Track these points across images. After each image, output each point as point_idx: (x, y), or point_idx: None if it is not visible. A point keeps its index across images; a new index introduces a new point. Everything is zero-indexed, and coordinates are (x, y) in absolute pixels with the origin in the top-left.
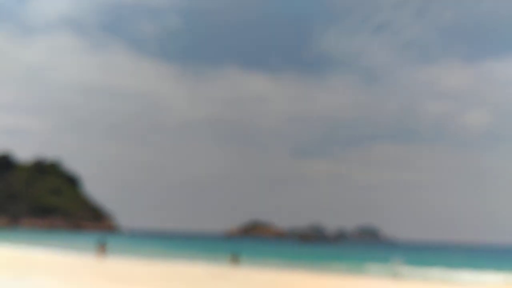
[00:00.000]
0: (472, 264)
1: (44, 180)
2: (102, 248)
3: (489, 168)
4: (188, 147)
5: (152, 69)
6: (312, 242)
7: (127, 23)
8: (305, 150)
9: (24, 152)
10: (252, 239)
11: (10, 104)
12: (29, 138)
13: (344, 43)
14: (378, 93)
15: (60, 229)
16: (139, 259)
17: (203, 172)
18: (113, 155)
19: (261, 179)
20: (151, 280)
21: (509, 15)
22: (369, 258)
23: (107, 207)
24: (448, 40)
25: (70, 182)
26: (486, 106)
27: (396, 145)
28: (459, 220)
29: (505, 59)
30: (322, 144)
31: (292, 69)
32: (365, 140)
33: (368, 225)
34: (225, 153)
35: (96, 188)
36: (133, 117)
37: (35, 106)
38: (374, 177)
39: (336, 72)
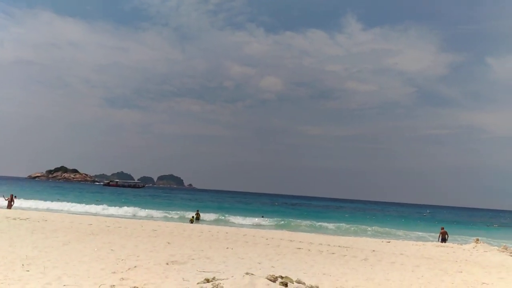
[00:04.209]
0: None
1: None
2: None
3: (278, 127)
4: None
5: None
6: (119, 188)
7: None
8: (116, 100)
9: None
10: (55, 182)
11: None
12: None
13: (159, 1)
14: (188, 52)
15: None
16: None
17: (9, 114)
18: None
19: (71, 126)
20: None
21: None
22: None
23: None
24: (254, 9)
25: None
26: (280, 73)
27: (201, 102)
28: (253, 173)
29: (303, 33)
30: (133, 96)
31: (108, 20)
32: (174, 95)
33: (173, 174)
34: (35, 97)
35: None
36: None
37: None
38: (180, 130)
39: (150, 28)
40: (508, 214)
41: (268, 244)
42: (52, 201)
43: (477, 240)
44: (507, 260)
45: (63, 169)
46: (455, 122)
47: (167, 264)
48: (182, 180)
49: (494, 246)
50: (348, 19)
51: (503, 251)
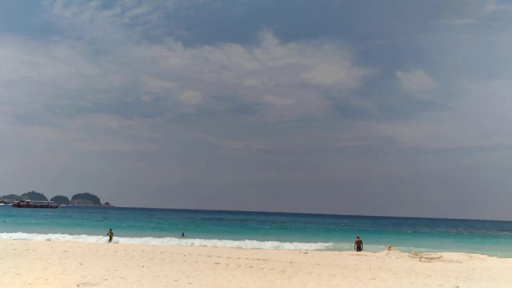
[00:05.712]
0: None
1: None
2: None
3: (199, 141)
4: None
5: None
6: (30, 208)
7: None
8: (27, 117)
9: None
10: None
11: None
12: None
13: (72, 14)
14: (104, 66)
15: None
16: None
17: None
18: None
19: None
20: None
21: (227, 9)
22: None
23: None
24: (172, 23)
25: None
26: (200, 87)
27: (119, 117)
28: (174, 189)
29: (220, 47)
30: (45, 112)
31: (16, 33)
32: (89, 111)
33: (89, 192)
34: None
35: None
36: None
37: None
38: (96, 146)
39: (63, 42)
40: (421, 221)
41: (186, 261)
42: None
43: (390, 247)
44: (416, 265)
45: None
46: (369, 133)
47: (78, 286)
48: (99, 199)
49: (405, 252)
50: (264, 33)
51: (413, 257)
